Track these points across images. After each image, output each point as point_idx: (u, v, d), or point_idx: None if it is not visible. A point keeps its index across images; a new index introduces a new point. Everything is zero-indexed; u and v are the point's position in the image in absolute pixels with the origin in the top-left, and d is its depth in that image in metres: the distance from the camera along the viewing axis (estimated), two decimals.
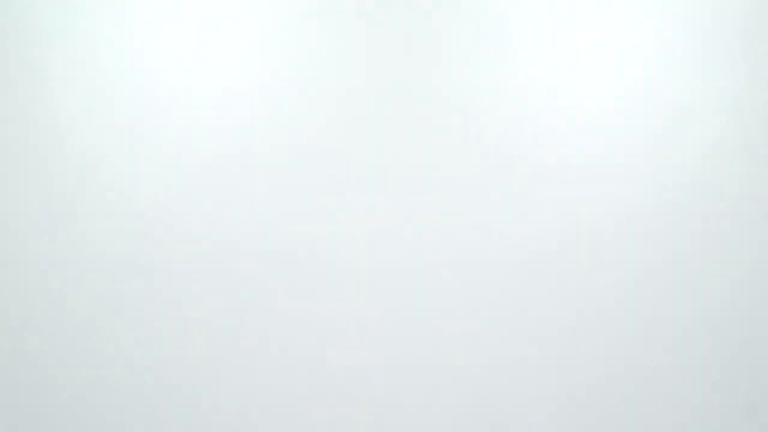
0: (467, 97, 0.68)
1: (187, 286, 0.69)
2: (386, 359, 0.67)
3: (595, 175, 0.68)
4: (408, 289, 0.68)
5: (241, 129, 0.68)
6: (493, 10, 0.67)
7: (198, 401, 0.62)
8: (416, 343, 0.67)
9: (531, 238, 0.68)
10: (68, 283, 0.69)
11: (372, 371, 0.66)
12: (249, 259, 0.66)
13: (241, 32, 0.68)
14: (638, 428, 0.70)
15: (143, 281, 0.69)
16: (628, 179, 0.68)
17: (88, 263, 0.69)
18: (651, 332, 0.70)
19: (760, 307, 0.69)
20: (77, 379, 0.70)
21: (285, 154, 0.68)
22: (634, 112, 0.68)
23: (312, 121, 0.68)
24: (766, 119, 0.68)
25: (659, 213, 0.68)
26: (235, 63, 0.68)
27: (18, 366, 0.70)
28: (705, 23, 0.67)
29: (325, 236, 0.66)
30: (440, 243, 0.67)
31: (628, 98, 0.68)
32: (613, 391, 0.70)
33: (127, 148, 0.68)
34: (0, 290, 0.69)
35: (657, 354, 0.70)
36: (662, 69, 0.67)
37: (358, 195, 0.66)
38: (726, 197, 0.68)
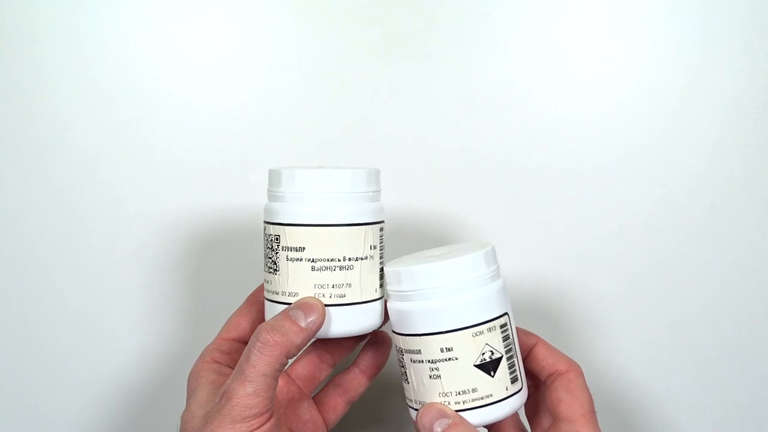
0: (467, 97, 0.68)
1: (187, 285, 0.69)
2: None
3: (595, 174, 0.68)
4: None
5: (241, 128, 0.68)
6: (494, 9, 0.67)
7: None
8: None
9: (530, 237, 0.69)
10: (68, 282, 0.69)
11: None
12: (251, 260, 0.66)
13: (240, 31, 0.68)
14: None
15: (144, 281, 0.69)
16: (627, 178, 0.69)
17: (88, 262, 0.69)
18: (651, 334, 0.70)
19: (759, 307, 0.69)
20: (77, 379, 0.70)
21: (286, 154, 0.68)
22: (633, 111, 0.68)
23: (309, 123, 0.68)
24: (766, 119, 0.68)
25: (659, 213, 0.68)
26: (236, 62, 0.68)
27: (17, 365, 0.70)
28: (705, 22, 0.67)
29: None
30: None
31: (627, 97, 0.68)
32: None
33: (127, 147, 0.68)
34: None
35: (659, 356, 0.70)
36: (662, 68, 0.67)
37: None
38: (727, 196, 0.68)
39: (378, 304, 0.53)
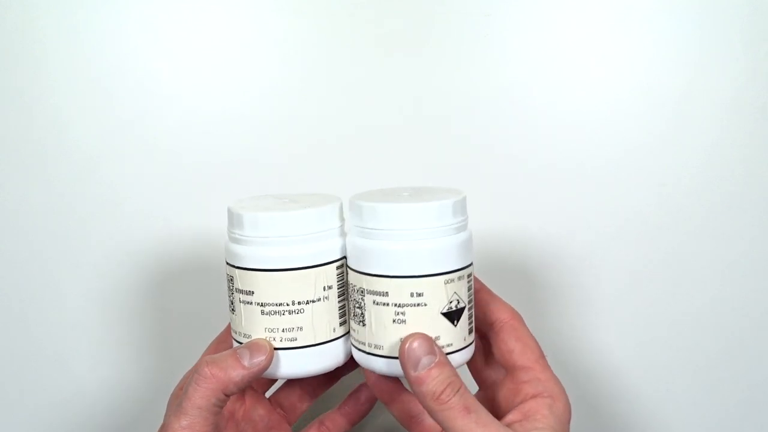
0: (466, 97, 0.68)
1: (189, 286, 0.69)
2: None
3: (595, 174, 0.68)
4: None
5: (242, 127, 0.68)
6: (494, 9, 0.67)
7: None
8: None
9: (530, 237, 0.69)
10: (68, 282, 0.69)
11: None
12: None
13: (240, 31, 0.68)
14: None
15: (144, 281, 0.69)
16: (627, 178, 0.69)
17: (88, 262, 0.69)
18: (650, 334, 0.70)
19: (759, 307, 0.69)
20: (77, 379, 0.70)
21: (287, 153, 0.69)
22: (633, 111, 0.68)
23: (308, 123, 0.68)
24: (766, 119, 0.68)
25: (659, 213, 0.68)
26: (236, 62, 0.68)
27: (17, 365, 0.70)
28: (705, 22, 0.67)
29: None
30: None
31: (627, 97, 0.68)
32: None
33: (127, 147, 0.68)
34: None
35: (658, 357, 0.70)
36: (662, 68, 0.67)
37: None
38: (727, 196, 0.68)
39: (336, 344, 0.51)
